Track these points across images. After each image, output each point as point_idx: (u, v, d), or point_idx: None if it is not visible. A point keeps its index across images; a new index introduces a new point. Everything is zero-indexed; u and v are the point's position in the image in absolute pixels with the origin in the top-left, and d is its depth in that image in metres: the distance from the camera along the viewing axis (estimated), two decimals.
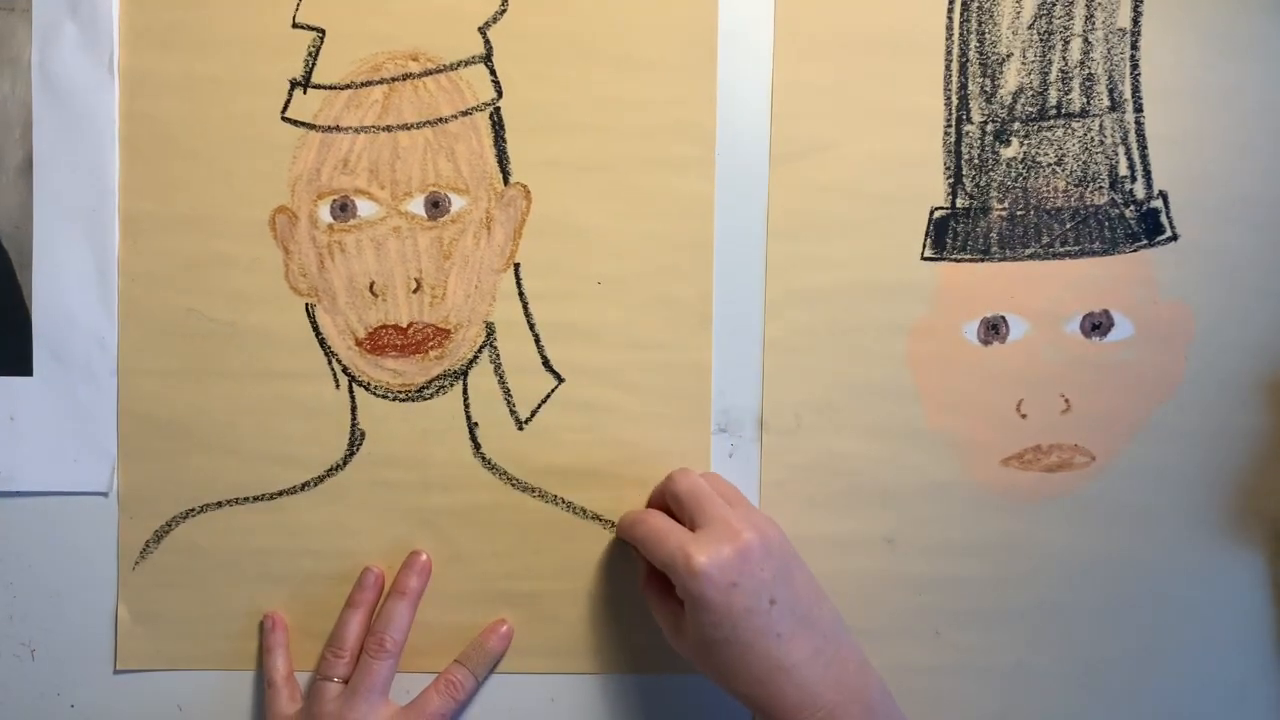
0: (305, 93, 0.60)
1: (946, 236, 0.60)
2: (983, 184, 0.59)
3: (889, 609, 0.61)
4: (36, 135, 0.60)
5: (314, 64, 0.60)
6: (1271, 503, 0.61)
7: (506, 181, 0.60)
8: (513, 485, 0.61)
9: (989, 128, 0.59)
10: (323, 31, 0.60)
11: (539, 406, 0.61)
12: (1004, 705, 0.61)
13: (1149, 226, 0.59)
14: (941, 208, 0.60)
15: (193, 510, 0.61)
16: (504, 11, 0.59)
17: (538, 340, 0.60)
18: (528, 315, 0.60)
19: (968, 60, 0.59)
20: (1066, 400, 0.60)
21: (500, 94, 0.60)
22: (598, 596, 0.61)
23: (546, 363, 0.60)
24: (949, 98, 0.59)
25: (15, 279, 0.60)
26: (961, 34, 0.59)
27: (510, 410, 0.61)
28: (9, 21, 0.60)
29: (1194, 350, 0.60)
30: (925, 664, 0.61)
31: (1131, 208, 0.59)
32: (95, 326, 0.60)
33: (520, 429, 0.61)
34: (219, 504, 0.61)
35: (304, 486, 0.61)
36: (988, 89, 0.59)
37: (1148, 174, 0.59)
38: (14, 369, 0.61)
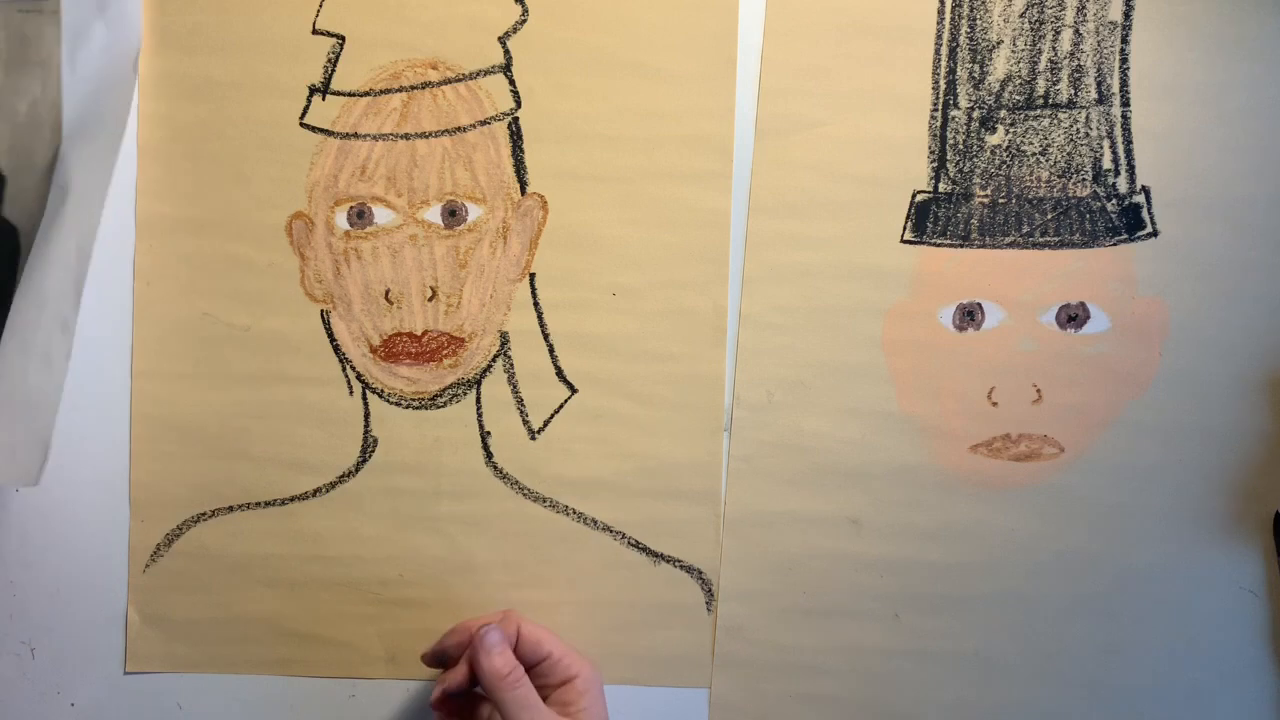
0: (324, 99, 0.60)
1: (927, 221, 0.60)
2: (966, 170, 0.59)
3: (850, 589, 0.61)
4: (65, 135, 0.59)
5: (333, 70, 0.60)
6: (1245, 502, 0.60)
7: (524, 191, 0.60)
8: (524, 495, 0.61)
9: (975, 114, 0.59)
10: (342, 38, 0.60)
11: (551, 416, 0.61)
12: (961, 692, 0.61)
13: (1130, 221, 0.59)
14: (924, 191, 0.60)
15: (204, 514, 0.61)
16: (524, 22, 0.60)
17: (552, 350, 0.60)
18: (542, 325, 0.60)
19: (958, 45, 0.59)
20: (1038, 390, 0.60)
21: (519, 104, 0.60)
22: (607, 607, 0.61)
23: (560, 373, 0.60)
24: (937, 82, 0.59)
25: None
26: (953, 18, 0.59)
27: (523, 420, 0.61)
28: (38, 23, 0.59)
29: (1169, 347, 0.60)
30: (884, 646, 0.61)
31: (1114, 201, 0.59)
32: (60, 311, 0.58)
33: (533, 439, 0.61)
34: (230, 508, 0.61)
35: (315, 493, 0.61)
36: (976, 75, 0.59)
37: (1131, 169, 0.59)
38: None
